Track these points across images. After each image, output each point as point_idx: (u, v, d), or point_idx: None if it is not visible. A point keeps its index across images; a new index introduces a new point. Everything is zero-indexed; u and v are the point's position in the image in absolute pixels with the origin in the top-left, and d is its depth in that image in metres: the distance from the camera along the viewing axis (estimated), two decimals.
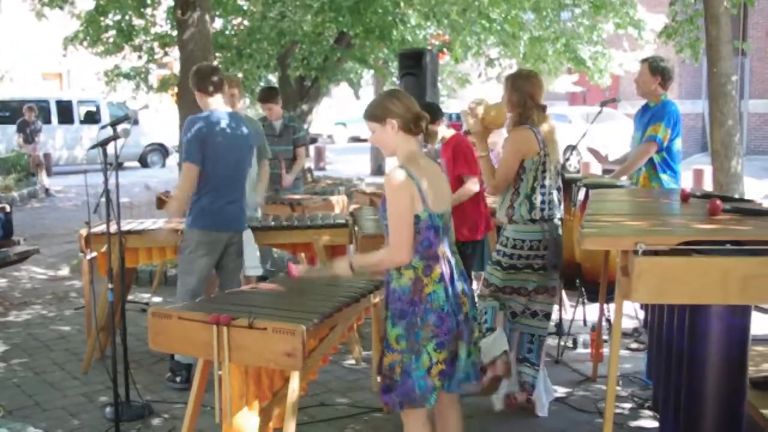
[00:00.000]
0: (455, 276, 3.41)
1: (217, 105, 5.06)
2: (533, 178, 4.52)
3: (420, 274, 3.32)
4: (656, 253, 3.11)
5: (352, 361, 5.67)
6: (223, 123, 5.02)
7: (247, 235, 5.21)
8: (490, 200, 5.98)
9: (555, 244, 4.62)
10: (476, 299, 3.99)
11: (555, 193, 4.63)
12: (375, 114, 3.45)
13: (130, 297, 6.89)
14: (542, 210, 4.54)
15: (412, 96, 3.54)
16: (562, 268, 4.82)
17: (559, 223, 4.71)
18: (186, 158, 4.95)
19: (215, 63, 5.09)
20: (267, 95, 7.55)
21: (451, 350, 3.33)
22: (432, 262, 3.33)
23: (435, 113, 5.58)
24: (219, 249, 5.08)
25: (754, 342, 4.99)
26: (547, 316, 4.70)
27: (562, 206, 4.77)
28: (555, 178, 4.65)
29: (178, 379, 5.14)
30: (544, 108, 4.62)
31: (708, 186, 10.05)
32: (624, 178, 5.98)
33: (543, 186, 4.54)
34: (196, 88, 5.07)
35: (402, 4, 11.79)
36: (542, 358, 4.74)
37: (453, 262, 3.44)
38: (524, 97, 4.55)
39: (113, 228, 4.61)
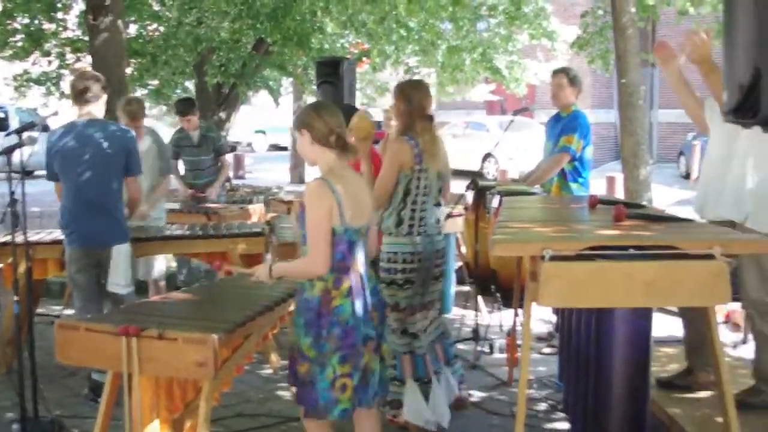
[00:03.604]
0: (366, 290, 3.44)
1: (87, 114, 4.93)
2: (404, 191, 4.41)
3: (330, 286, 3.35)
4: (563, 258, 3.18)
5: (270, 370, 5.64)
6: (79, 136, 4.87)
7: (120, 250, 4.97)
8: None
9: (428, 258, 4.48)
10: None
11: (431, 209, 4.49)
12: (295, 123, 3.50)
13: (40, 309, 6.70)
14: (410, 225, 4.42)
15: (335, 107, 3.55)
16: (427, 285, 4.57)
17: (439, 238, 4.58)
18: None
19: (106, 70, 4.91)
20: (186, 107, 7.51)
21: (357, 365, 3.36)
22: (342, 276, 3.36)
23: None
24: (90, 265, 4.93)
25: (661, 343, 5.19)
26: (414, 335, 4.51)
27: (440, 223, 4.61)
28: (435, 194, 4.52)
29: (100, 399, 4.98)
30: (431, 118, 4.52)
31: (620, 193, 10.33)
32: (537, 186, 6.11)
33: (415, 202, 4.42)
34: None
35: (319, 12, 11.77)
36: (430, 370, 4.55)
37: (365, 276, 3.47)
38: (412, 105, 4.45)
39: (19, 238, 4.48)
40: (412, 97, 4.48)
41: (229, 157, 7.92)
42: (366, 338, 3.39)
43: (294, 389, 3.50)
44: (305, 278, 3.40)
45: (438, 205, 4.58)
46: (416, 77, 15.13)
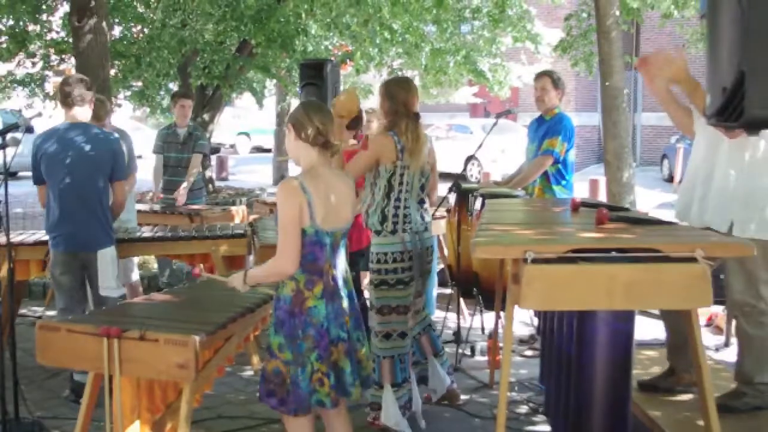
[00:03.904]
0: (341, 294, 3.45)
1: (71, 117, 4.93)
2: (386, 186, 4.42)
3: (302, 287, 3.36)
4: (545, 261, 3.18)
5: (251, 372, 5.62)
6: (60, 140, 4.88)
7: (105, 254, 4.97)
8: None
9: (419, 256, 4.50)
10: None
11: (415, 206, 4.50)
12: (288, 119, 3.51)
13: (21, 310, 6.66)
14: (395, 223, 4.42)
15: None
16: (421, 284, 4.62)
17: (428, 235, 4.60)
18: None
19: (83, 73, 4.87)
20: (186, 90, 7.57)
21: (331, 362, 3.36)
22: (315, 277, 3.37)
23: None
24: (76, 268, 4.92)
25: (643, 346, 5.20)
26: (402, 335, 4.53)
27: (426, 220, 4.59)
28: (417, 191, 4.52)
29: (81, 401, 4.97)
30: (417, 116, 4.50)
31: (603, 196, 10.37)
32: (519, 188, 6.11)
33: (398, 199, 4.43)
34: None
35: (303, 14, 11.78)
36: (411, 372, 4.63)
37: (341, 279, 3.48)
38: (397, 104, 4.44)
39: (2, 239, 4.46)
40: (396, 95, 4.47)
41: (203, 160, 7.85)
42: (337, 339, 3.40)
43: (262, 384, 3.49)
44: (278, 279, 3.41)
45: (422, 202, 4.58)
46: None
